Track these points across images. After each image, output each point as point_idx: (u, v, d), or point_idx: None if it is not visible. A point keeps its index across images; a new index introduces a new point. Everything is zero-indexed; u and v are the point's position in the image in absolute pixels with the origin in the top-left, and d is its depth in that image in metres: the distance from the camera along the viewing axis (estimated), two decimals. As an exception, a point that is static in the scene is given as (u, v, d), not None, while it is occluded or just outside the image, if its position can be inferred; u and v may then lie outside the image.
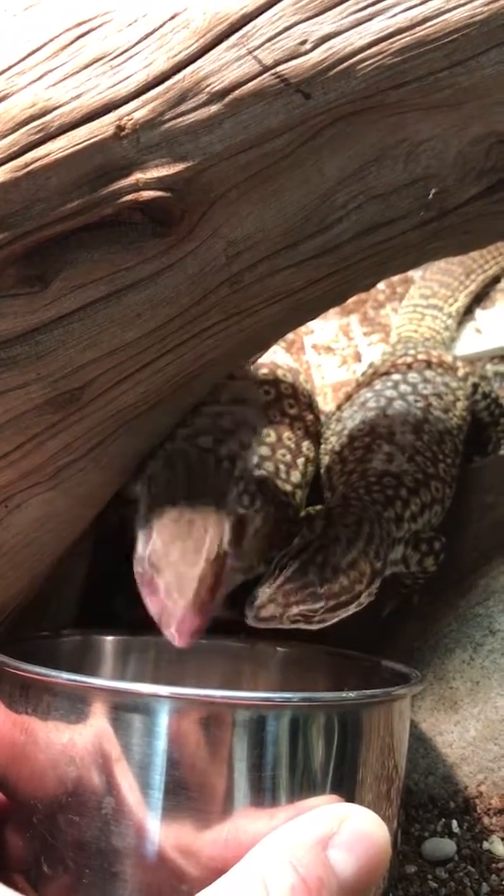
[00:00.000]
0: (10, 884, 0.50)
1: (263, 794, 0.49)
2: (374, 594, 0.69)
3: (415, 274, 1.19)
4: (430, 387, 0.90)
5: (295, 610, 0.64)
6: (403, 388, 0.89)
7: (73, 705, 0.51)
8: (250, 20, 0.49)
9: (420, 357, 0.95)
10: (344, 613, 0.67)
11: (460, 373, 0.95)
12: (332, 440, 0.88)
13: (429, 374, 0.91)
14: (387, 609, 0.80)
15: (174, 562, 0.59)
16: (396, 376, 0.91)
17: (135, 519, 0.75)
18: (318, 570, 0.66)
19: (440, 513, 0.82)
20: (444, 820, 0.70)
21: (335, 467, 0.83)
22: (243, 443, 0.73)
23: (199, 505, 0.63)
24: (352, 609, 0.67)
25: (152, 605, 0.60)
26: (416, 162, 0.58)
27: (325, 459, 0.88)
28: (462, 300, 1.10)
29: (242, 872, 0.45)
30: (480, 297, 1.16)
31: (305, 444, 0.89)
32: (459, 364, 0.97)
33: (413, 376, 0.91)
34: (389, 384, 0.90)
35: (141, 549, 0.62)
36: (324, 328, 1.19)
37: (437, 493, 0.80)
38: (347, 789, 0.52)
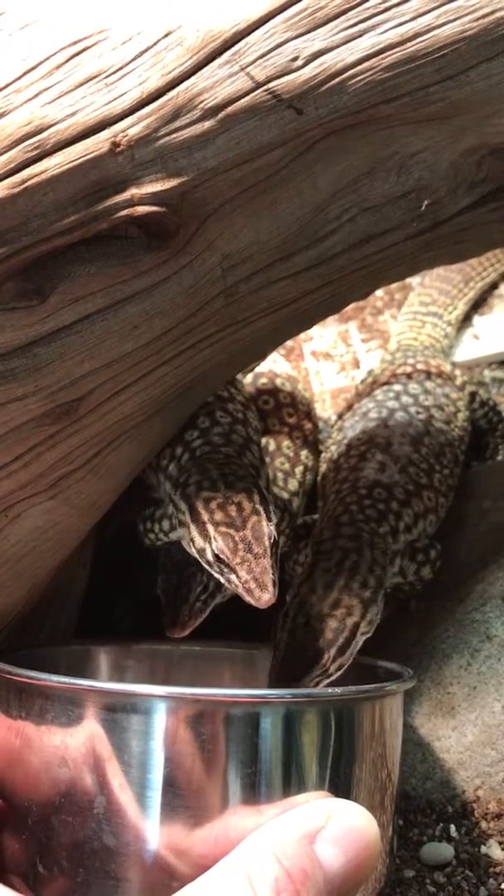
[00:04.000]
0: (9, 885, 0.51)
1: (256, 791, 0.50)
2: (377, 619, 0.69)
3: (413, 281, 1.20)
4: (432, 398, 0.90)
5: (309, 681, 0.64)
6: (405, 399, 0.89)
7: (65, 708, 0.51)
8: (243, 37, 0.50)
9: (419, 367, 0.95)
10: (354, 648, 0.66)
11: (458, 381, 0.95)
12: (333, 449, 0.88)
13: (429, 384, 0.92)
14: (384, 615, 0.81)
15: (241, 535, 0.62)
16: (398, 387, 0.91)
17: (151, 521, 0.76)
18: (305, 634, 0.65)
19: (435, 522, 0.82)
20: (441, 824, 0.70)
21: (329, 475, 0.84)
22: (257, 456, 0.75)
23: (241, 493, 0.64)
24: (359, 639, 0.67)
25: (239, 573, 0.60)
26: (409, 174, 0.59)
27: (323, 467, 0.88)
28: (461, 308, 1.11)
29: (228, 866, 0.46)
30: (478, 304, 1.17)
31: (304, 453, 0.90)
32: (458, 373, 0.97)
33: (414, 387, 0.91)
34: (391, 395, 0.90)
35: (201, 541, 0.63)
36: (322, 335, 1.19)
37: (429, 503, 0.80)
38: (342, 786, 0.52)
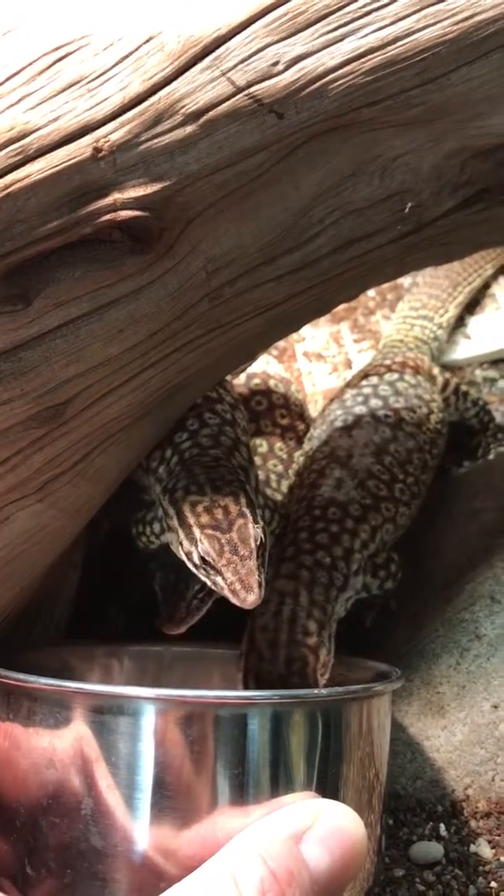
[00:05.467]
0: (-2, 888, 0.51)
1: (243, 792, 0.50)
2: (330, 659, 0.68)
3: (404, 281, 1.20)
4: (402, 399, 0.87)
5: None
6: (374, 402, 0.87)
7: (53, 710, 0.52)
8: (223, 42, 0.50)
9: (394, 367, 0.93)
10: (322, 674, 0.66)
11: (439, 380, 0.94)
12: (300, 461, 0.87)
13: (401, 385, 0.89)
14: (369, 618, 0.81)
15: (227, 538, 0.62)
16: (367, 389, 0.89)
17: (143, 525, 0.76)
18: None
19: (392, 531, 0.80)
20: (431, 823, 0.71)
21: (294, 491, 0.82)
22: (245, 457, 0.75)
23: (228, 497, 0.64)
24: (321, 681, 0.66)
25: (224, 575, 0.61)
26: (392, 177, 0.59)
27: (291, 481, 0.86)
28: (452, 311, 1.10)
29: (213, 867, 0.46)
30: (471, 304, 1.17)
31: (297, 455, 0.90)
32: (436, 372, 0.96)
33: (384, 389, 0.89)
34: (360, 399, 0.88)
35: (188, 544, 0.64)
36: (315, 335, 1.19)
37: (388, 513, 0.79)
38: (330, 786, 0.53)
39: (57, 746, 0.51)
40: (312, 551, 0.73)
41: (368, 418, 0.85)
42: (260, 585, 0.60)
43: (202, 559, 0.62)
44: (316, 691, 0.61)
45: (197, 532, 0.63)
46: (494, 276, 1.18)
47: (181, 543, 0.64)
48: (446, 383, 0.95)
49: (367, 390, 0.89)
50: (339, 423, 0.86)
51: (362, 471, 0.80)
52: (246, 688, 0.66)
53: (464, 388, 0.97)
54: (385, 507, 0.79)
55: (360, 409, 0.86)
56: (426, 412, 0.88)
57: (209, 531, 0.62)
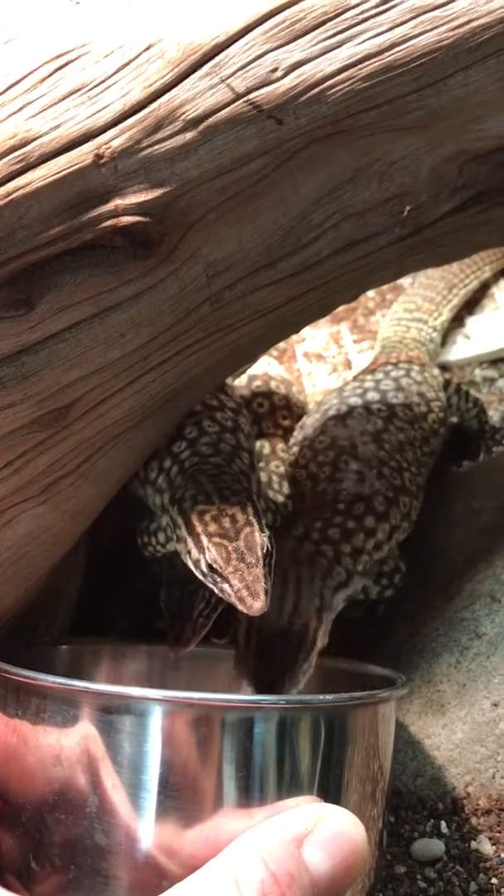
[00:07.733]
0: (3, 883, 0.52)
1: (248, 794, 0.51)
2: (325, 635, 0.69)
3: (404, 281, 1.21)
4: (402, 395, 0.87)
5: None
6: (371, 395, 0.86)
7: (61, 708, 0.52)
8: (223, 49, 0.51)
9: (402, 357, 0.93)
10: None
11: (439, 379, 0.93)
12: (295, 450, 0.86)
13: (405, 381, 0.89)
14: (356, 615, 0.81)
15: (234, 546, 0.62)
16: (368, 383, 0.88)
17: (148, 530, 0.77)
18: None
19: (407, 528, 0.80)
20: (432, 821, 0.71)
21: (306, 484, 0.81)
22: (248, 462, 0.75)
23: (235, 506, 0.65)
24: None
25: (231, 582, 0.61)
26: (390, 180, 0.60)
27: (289, 470, 0.85)
28: (446, 315, 1.10)
29: (215, 867, 0.47)
30: (470, 304, 1.17)
31: (290, 443, 0.90)
32: (436, 371, 0.95)
33: (387, 384, 0.88)
34: (358, 391, 0.87)
35: (196, 552, 0.64)
36: (315, 336, 1.20)
37: (405, 509, 0.78)
38: (333, 791, 0.53)
39: (64, 744, 0.52)
40: (318, 542, 0.73)
41: (361, 410, 0.84)
42: (266, 592, 0.61)
43: (210, 567, 0.63)
44: (322, 697, 0.62)
45: (205, 540, 0.63)
46: (495, 278, 1.18)
47: (189, 552, 0.65)
48: (447, 383, 0.95)
49: (368, 384, 0.89)
50: (332, 412, 0.85)
51: (374, 459, 0.79)
52: (246, 642, 0.67)
53: (464, 387, 0.97)
54: (403, 502, 0.78)
55: (354, 401, 0.86)
56: (424, 410, 0.87)
57: (217, 539, 0.63)
